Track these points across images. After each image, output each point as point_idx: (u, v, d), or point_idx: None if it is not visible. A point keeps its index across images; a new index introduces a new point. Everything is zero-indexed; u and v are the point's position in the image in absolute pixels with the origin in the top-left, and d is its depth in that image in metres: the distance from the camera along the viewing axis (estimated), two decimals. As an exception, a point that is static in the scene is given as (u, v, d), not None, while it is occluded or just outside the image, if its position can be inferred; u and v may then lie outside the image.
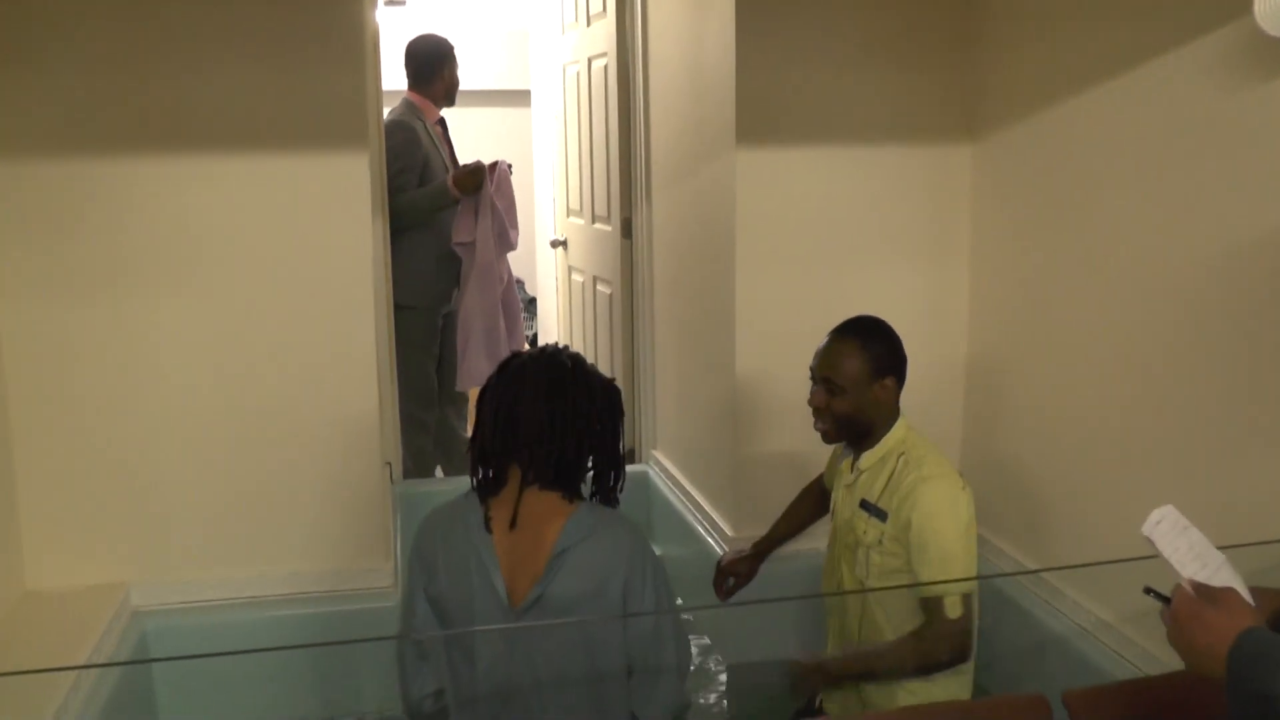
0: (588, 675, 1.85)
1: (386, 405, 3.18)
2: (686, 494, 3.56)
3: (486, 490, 1.88)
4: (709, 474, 3.39)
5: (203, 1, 2.55)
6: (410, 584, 1.94)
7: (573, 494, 1.87)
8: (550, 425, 1.84)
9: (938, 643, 2.15)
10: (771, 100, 2.90)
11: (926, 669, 2.18)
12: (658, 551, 3.53)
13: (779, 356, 2.99)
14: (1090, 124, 2.50)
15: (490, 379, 1.92)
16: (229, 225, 2.65)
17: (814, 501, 2.75)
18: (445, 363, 4.37)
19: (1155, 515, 1.31)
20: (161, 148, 2.58)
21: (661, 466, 3.90)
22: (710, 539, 3.24)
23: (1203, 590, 1.24)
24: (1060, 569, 2.61)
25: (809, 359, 3.00)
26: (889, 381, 2.25)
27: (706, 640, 3.23)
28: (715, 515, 3.27)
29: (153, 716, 2.64)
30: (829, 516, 2.50)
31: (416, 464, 4.28)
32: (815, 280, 3.00)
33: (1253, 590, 1.31)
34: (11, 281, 2.55)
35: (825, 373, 2.27)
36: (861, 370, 2.23)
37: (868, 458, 2.28)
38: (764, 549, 2.75)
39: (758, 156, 2.92)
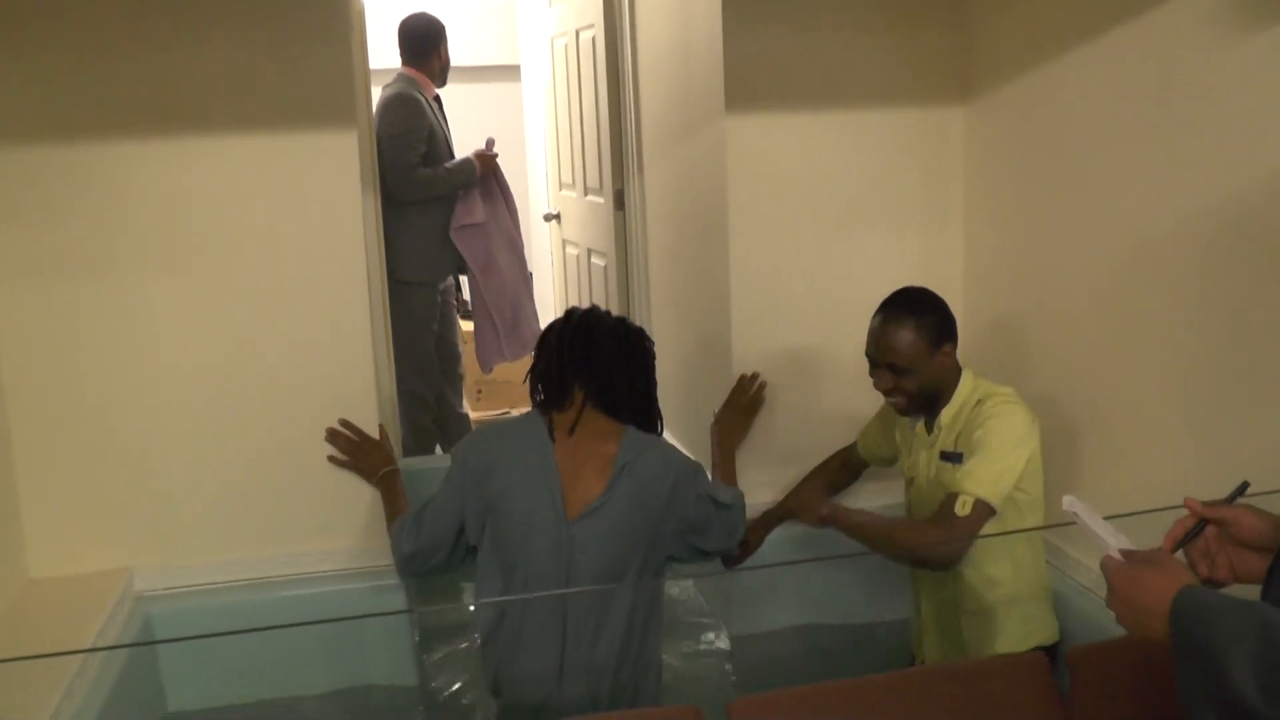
0: (622, 565, 2.15)
1: (384, 383, 3.17)
2: (686, 464, 3.56)
3: (551, 405, 2.20)
4: (706, 444, 3.38)
5: (186, -19, 2.54)
6: (450, 482, 2.25)
7: (621, 418, 2.22)
8: (620, 357, 2.23)
9: (930, 533, 2.21)
10: (760, 66, 2.88)
11: (916, 558, 2.26)
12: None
13: (775, 325, 2.99)
14: (1083, 82, 2.49)
15: (556, 322, 2.30)
16: (220, 205, 2.63)
17: (834, 475, 2.75)
18: (444, 340, 4.38)
19: (1068, 499, 1.40)
20: (149, 128, 2.57)
21: (661, 438, 3.90)
22: (711, 508, 3.24)
23: (1134, 555, 1.27)
24: (1060, 525, 2.60)
25: (805, 326, 3.00)
26: (948, 348, 2.32)
27: (706, 604, 3.24)
28: (715, 485, 3.27)
29: (159, 700, 2.65)
30: (905, 487, 2.55)
31: (417, 441, 4.29)
32: (809, 247, 2.99)
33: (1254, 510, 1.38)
34: (5, 266, 2.54)
35: (887, 359, 2.29)
36: (921, 347, 2.28)
37: (946, 413, 2.35)
38: (772, 519, 2.74)
39: (747, 123, 2.90)
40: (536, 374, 2.27)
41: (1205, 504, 1.38)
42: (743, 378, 2.97)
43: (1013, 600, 2.36)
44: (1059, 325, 2.65)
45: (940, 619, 2.46)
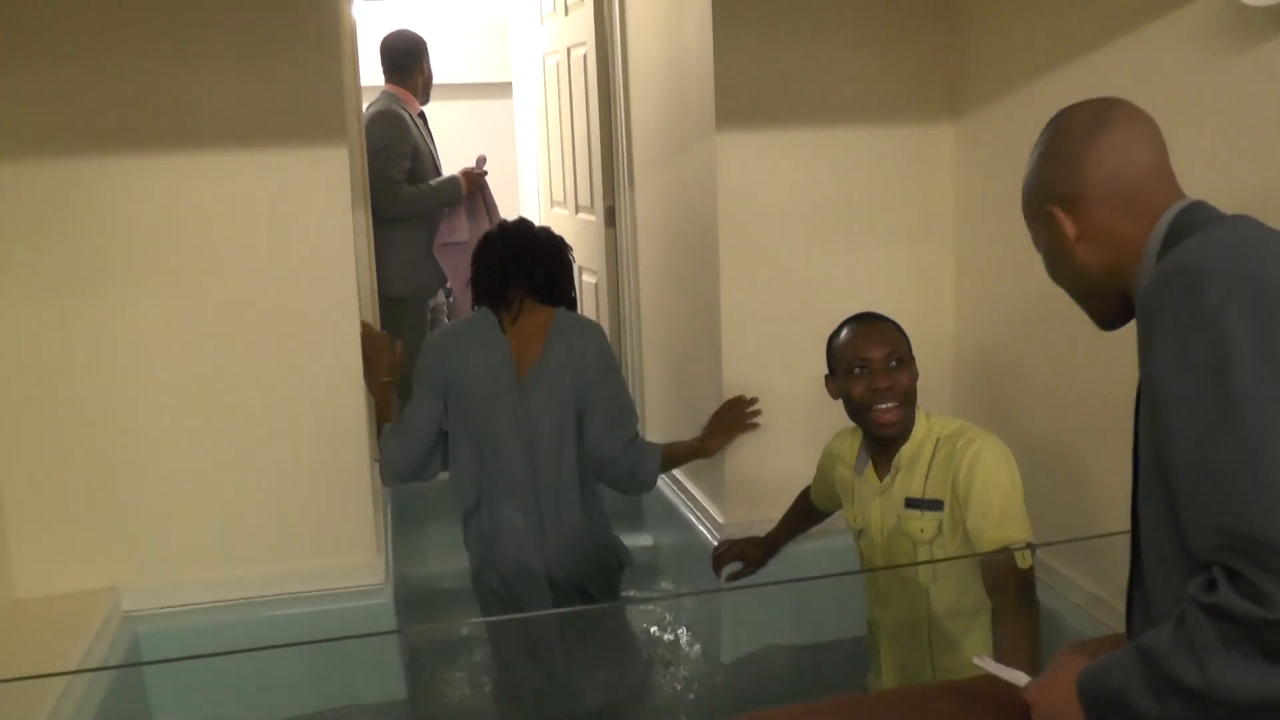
0: (566, 426, 2.59)
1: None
2: (676, 481, 3.55)
3: (499, 306, 2.61)
4: (699, 460, 3.38)
5: (177, -1, 2.54)
6: (421, 383, 2.60)
7: (554, 304, 2.65)
8: (554, 261, 2.66)
9: (1028, 601, 2.04)
10: (751, 83, 2.89)
11: (1035, 628, 2.05)
12: (649, 541, 3.56)
13: (765, 340, 2.99)
14: (1071, 98, 2.48)
15: (493, 235, 2.69)
16: (210, 222, 2.63)
17: (804, 515, 2.67)
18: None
19: (977, 659, 1.61)
20: (140, 144, 2.57)
21: (652, 455, 3.89)
22: (701, 526, 3.23)
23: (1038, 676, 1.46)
24: (1053, 544, 2.60)
25: (794, 343, 2.99)
26: (915, 362, 2.24)
27: (691, 624, 3.23)
28: (705, 502, 3.26)
29: (147, 720, 2.63)
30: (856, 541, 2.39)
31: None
32: (799, 264, 2.99)
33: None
34: (-10, 283, 2.53)
35: (889, 349, 2.18)
36: (908, 348, 2.23)
37: (906, 451, 2.20)
38: (773, 543, 2.70)
39: (738, 140, 2.91)
40: (480, 283, 2.66)
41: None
42: (739, 399, 2.96)
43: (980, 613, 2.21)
44: (1051, 339, 2.65)
45: (901, 633, 2.32)
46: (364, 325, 2.81)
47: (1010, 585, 2.04)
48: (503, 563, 2.59)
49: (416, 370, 2.62)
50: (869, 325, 2.24)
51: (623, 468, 2.63)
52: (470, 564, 2.69)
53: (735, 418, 2.97)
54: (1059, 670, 1.39)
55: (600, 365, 2.61)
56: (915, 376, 2.23)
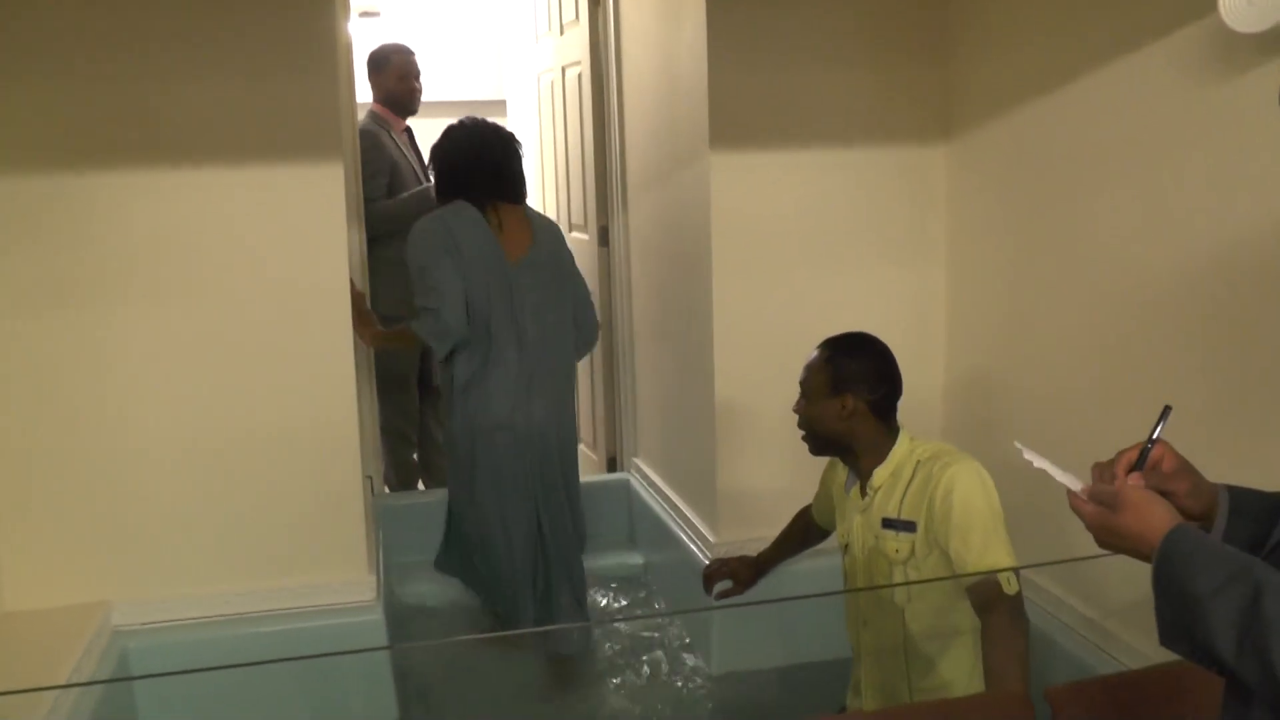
0: (550, 307, 3.03)
1: (366, 418, 3.17)
2: (668, 500, 3.56)
3: (482, 205, 2.97)
4: (690, 479, 3.39)
5: (174, 14, 2.54)
6: (437, 254, 2.89)
7: (515, 200, 3.06)
8: (510, 151, 3.05)
9: (1018, 622, 2.03)
10: (745, 104, 2.91)
11: (1025, 648, 2.03)
12: (639, 560, 3.54)
13: (757, 361, 2.99)
14: (1064, 122, 2.52)
15: (452, 132, 3.07)
16: (203, 238, 2.63)
17: (800, 536, 2.67)
18: (426, 373, 4.36)
19: (1017, 444, 1.48)
20: (135, 159, 2.57)
21: (642, 473, 3.90)
22: (692, 545, 3.23)
23: (1101, 497, 1.30)
24: (1042, 565, 2.61)
25: (787, 362, 2.99)
26: (848, 400, 2.19)
27: (688, 639, 3.23)
28: (697, 520, 3.26)
29: (135, 736, 2.62)
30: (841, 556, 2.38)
31: (400, 477, 4.27)
32: (792, 284, 3.00)
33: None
34: (-16, 298, 2.53)
35: (801, 379, 2.28)
36: (822, 382, 2.22)
37: (879, 474, 2.21)
38: (764, 563, 2.70)
39: (732, 161, 2.92)
40: (453, 180, 3.01)
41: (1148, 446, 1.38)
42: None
43: (962, 635, 2.21)
44: (1042, 360, 2.66)
45: (881, 652, 2.30)
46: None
47: (998, 610, 2.03)
48: (493, 429, 2.96)
49: (427, 248, 2.89)
50: (815, 351, 2.30)
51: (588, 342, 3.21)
52: (456, 422, 3.02)
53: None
54: (1132, 516, 1.24)
55: (573, 263, 3.13)
56: (829, 416, 2.21)
